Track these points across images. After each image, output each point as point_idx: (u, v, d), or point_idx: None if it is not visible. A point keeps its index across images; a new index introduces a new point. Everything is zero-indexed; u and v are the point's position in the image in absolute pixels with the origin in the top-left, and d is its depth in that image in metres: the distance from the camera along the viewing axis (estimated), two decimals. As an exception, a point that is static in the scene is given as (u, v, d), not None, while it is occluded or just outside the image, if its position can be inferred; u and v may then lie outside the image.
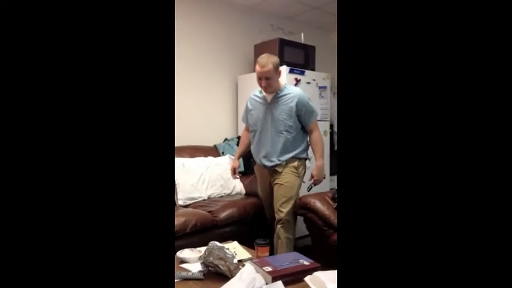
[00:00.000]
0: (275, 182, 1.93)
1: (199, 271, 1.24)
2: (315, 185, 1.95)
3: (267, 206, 2.07)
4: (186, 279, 1.20)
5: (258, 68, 1.85)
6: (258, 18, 3.21)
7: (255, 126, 1.97)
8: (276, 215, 1.92)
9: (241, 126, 3.00)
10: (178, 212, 2.04)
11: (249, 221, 2.22)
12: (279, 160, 1.89)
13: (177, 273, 1.23)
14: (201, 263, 1.26)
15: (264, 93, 1.95)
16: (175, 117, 2.58)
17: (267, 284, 1.10)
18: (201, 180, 2.42)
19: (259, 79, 1.87)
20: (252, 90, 2.82)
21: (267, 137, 1.92)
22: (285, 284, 1.08)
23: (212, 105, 2.99)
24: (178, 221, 1.90)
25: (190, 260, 1.37)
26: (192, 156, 2.60)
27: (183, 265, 1.34)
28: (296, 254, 1.36)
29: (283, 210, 1.88)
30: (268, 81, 1.85)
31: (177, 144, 2.66)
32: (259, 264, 1.22)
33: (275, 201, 1.93)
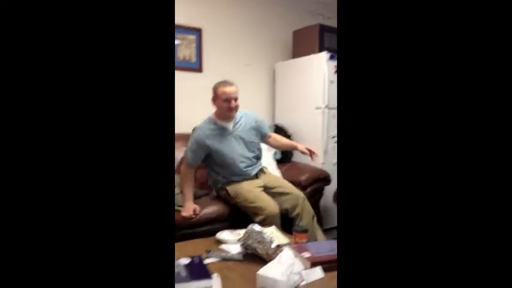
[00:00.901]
0: (265, 177, 2.01)
1: (239, 253, 1.27)
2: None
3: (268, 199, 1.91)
4: (225, 259, 1.24)
5: (226, 89, 1.84)
6: (296, 3, 3.15)
7: (231, 160, 1.91)
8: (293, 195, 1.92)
9: (279, 114, 3.00)
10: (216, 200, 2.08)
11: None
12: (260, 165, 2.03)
13: (216, 253, 1.27)
14: (240, 245, 1.29)
15: (219, 123, 1.92)
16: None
17: (305, 269, 1.10)
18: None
19: (228, 101, 1.83)
20: (291, 77, 2.81)
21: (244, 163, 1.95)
22: (323, 270, 1.08)
23: (249, 93, 3.00)
24: (217, 207, 1.95)
25: (229, 241, 1.40)
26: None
27: (222, 246, 1.37)
28: (334, 243, 1.35)
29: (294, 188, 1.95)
30: (236, 102, 1.87)
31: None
32: (298, 249, 1.23)
33: (280, 186, 1.96)
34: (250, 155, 1.97)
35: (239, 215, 1.92)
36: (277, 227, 1.66)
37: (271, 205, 1.79)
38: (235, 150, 1.92)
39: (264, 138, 2.08)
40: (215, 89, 1.89)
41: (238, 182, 1.91)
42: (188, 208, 1.82)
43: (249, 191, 1.86)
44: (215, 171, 1.96)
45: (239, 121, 1.97)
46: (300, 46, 2.85)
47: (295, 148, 2.07)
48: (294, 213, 1.87)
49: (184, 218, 1.77)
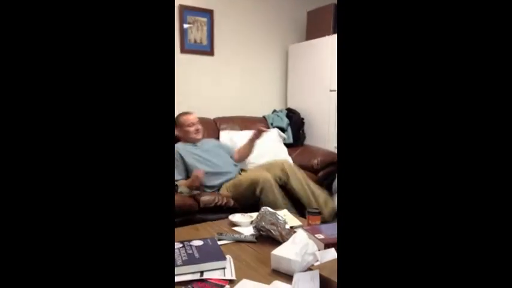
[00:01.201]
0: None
1: (251, 234, 1.27)
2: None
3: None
4: (238, 241, 1.23)
5: (188, 117, 2.13)
6: (310, -17, 3.07)
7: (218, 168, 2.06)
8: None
9: (291, 97, 2.96)
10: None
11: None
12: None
13: (229, 235, 1.27)
14: (253, 227, 1.29)
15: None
16: (220, 89, 2.57)
17: (319, 250, 1.09)
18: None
19: (192, 125, 2.10)
20: (304, 60, 2.75)
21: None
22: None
23: (261, 75, 2.96)
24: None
25: (242, 223, 1.40)
26: (241, 127, 2.62)
27: (235, 228, 1.37)
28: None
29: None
30: (199, 126, 2.14)
31: (227, 114, 2.70)
32: (311, 231, 1.22)
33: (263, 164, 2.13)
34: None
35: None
36: (278, 193, 1.78)
37: (262, 173, 1.84)
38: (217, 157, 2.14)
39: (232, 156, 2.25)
40: (177, 120, 2.15)
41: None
42: (193, 176, 1.88)
43: (235, 180, 1.98)
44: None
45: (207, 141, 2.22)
46: (314, 27, 2.78)
47: (252, 140, 2.15)
48: (284, 177, 1.93)
49: (196, 184, 1.88)
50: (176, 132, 2.15)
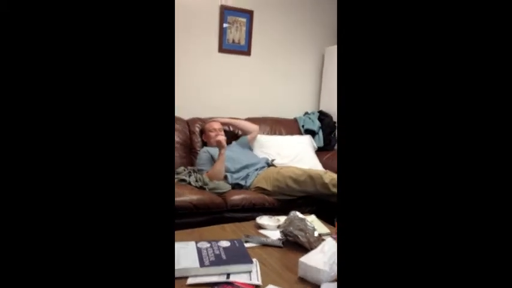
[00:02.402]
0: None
1: (278, 239, 1.26)
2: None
3: None
4: (265, 244, 1.23)
5: (211, 123, 2.29)
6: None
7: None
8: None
9: (324, 100, 2.91)
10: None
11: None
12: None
13: (256, 237, 1.27)
14: (280, 232, 1.28)
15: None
16: (260, 90, 2.58)
17: (347, 261, 1.07)
18: (280, 157, 2.42)
19: (214, 131, 2.25)
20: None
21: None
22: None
23: (296, 76, 2.94)
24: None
25: (269, 227, 1.39)
26: (272, 128, 2.62)
27: (262, 231, 1.37)
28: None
29: None
30: (222, 132, 2.26)
31: (258, 115, 2.70)
32: (340, 241, 1.19)
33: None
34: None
35: (280, 205, 1.92)
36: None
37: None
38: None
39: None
40: (203, 126, 2.35)
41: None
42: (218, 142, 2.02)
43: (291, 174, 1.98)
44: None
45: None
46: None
47: (221, 155, 2.07)
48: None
49: (222, 145, 2.01)
50: (203, 138, 2.32)
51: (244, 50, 2.67)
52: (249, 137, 2.41)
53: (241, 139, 2.37)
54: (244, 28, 2.63)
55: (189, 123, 2.38)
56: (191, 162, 2.27)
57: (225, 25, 2.56)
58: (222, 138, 2.03)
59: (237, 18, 2.59)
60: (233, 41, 2.62)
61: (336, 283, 0.95)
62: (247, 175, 2.09)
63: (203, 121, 2.39)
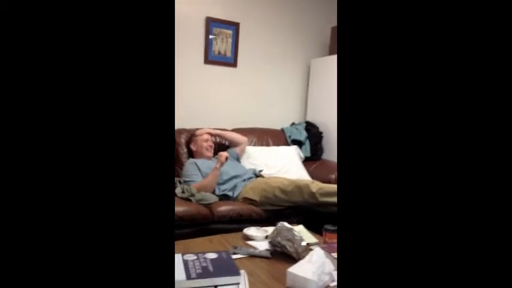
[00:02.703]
0: None
1: (266, 250, 1.25)
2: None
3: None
4: (253, 255, 1.21)
5: (202, 132, 2.30)
6: (335, -1, 3.07)
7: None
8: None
9: (311, 111, 2.94)
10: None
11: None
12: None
13: (244, 249, 1.25)
14: (269, 242, 1.27)
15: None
16: (239, 99, 2.58)
17: (336, 269, 1.06)
18: (267, 167, 2.42)
19: (207, 141, 2.27)
20: (326, 75, 2.74)
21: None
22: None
23: (282, 88, 2.96)
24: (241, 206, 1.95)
25: (257, 238, 1.38)
26: (259, 139, 2.62)
27: (250, 242, 1.35)
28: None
29: None
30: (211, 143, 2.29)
31: (246, 126, 2.70)
32: (328, 249, 1.19)
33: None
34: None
35: (268, 216, 1.91)
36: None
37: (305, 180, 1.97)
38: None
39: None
40: (193, 135, 2.32)
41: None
42: (219, 156, 2.04)
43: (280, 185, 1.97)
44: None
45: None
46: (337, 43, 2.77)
47: (217, 169, 2.08)
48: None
49: (222, 160, 2.03)
50: (191, 147, 2.29)
51: (231, 61, 2.68)
52: (237, 149, 2.40)
53: (229, 150, 2.37)
54: (230, 40, 2.65)
55: (175, 133, 2.36)
56: (177, 173, 2.24)
57: (210, 36, 2.57)
58: (225, 155, 2.04)
59: (223, 30, 2.61)
60: (219, 52, 2.63)
61: (324, 293, 0.94)
62: (235, 186, 2.07)
63: (189, 132, 2.37)
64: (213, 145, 2.29)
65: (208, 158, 2.24)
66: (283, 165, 2.45)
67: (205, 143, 2.25)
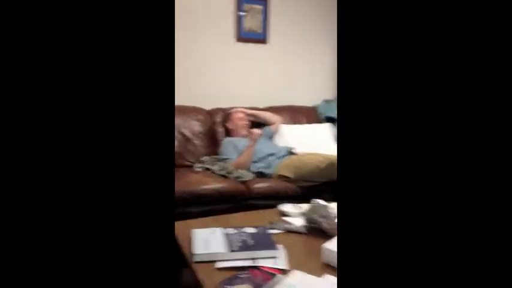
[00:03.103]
0: None
1: (302, 225, 1.29)
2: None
3: None
4: (289, 231, 1.26)
5: (239, 112, 2.34)
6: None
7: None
8: None
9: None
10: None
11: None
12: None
13: (281, 224, 1.30)
14: (304, 219, 1.31)
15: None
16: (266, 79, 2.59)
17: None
18: (301, 145, 2.43)
19: (243, 120, 2.33)
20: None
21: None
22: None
23: (313, 64, 2.92)
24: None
25: (293, 214, 1.42)
26: (292, 117, 2.63)
27: (286, 218, 1.40)
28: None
29: None
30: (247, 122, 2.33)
31: (278, 104, 2.71)
32: (363, 227, 1.21)
33: None
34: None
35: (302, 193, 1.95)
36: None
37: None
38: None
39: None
40: (230, 114, 2.37)
41: None
42: (252, 134, 2.11)
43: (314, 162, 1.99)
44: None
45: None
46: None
47: (251, 147, 2.14)
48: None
49: (254, 138, 2.11)
50: (228, 125, 2.34)
51: (261, 38, 2.67)
52: (272, 127, 2.44)
53: (265, 128, 2.41)
54: (260, 16, 2.62)
55: (211, 113, 2.42)
56: (215, 152, 2.32)
57: (241, 13, 2.56)
58: (257, 132, 2.10)
59: (253, 5, 2.58)
60: (250, 29, 2.62)
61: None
62: (270, 164, 2.12)
63: (224, 111, 2.42)
64: (249, 123, 2.34)
65: (245, 136, 2.29)
66: (316, 143, 2.45)
67: (240, 122, 2.30)
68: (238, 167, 2.05)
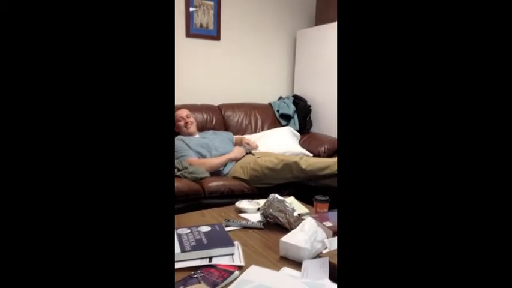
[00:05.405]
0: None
1: (259, 221, 1.26)
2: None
3: None
4: (246, 227, 1.23)
5: (177, 112, 2.24)
6: (320, -33, 2.99)
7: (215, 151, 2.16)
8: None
9: (298, 84, 2.91)
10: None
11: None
12: None
13: (237, 221, 1.26)
14: (261, 214, 1.28)
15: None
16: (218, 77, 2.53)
17: (327, 238, 1.08)
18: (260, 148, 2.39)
19: (182, 119, 2.21)
20: (313, 47, 2.70)
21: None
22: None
23: (268, 61, 2.92)
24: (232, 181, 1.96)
25: (249, 210, 1.39)
26: (246, 114, 2.60)
27: (242, 215, 1.37)
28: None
29: None
30: (190, 118, 2.24)
31: (233, 101, 2.67)
32: (319, 219, 1.21)
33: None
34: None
35: (260, 191, 1.92)
36: None
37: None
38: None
39: None
40: None
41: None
42: (237, 150, 2.12)
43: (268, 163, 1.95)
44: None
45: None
46: (323, 12, 2.72)
47: (229, 160, 2.11)
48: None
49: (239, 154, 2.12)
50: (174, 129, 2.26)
51: (213, 34, 2.61)
52: (235, 137, 2.40)
53: (226, 133, 2.36)
54: (212, 11, 2.57)
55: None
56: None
57: (191, 9, 2.49)
58: (242, 150, 2.14)
59: (204, 1, 2.52)
60: (201, 25, 2.56)
61: (317, 259, 0.96)
62: (226, 163, 2.07)
63: (176, 108, 2.34)
64: (193, 121, 2.25)
65: (192, 134, 2.22)
66: (277, 146, 2.41)
67: (181, 122, 2.21)
68: (200, 164, 1.99)
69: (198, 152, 2.09)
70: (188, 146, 2.10)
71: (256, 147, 2.28)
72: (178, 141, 2.13)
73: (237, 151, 2.12)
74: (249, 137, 2.44)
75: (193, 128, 2.23)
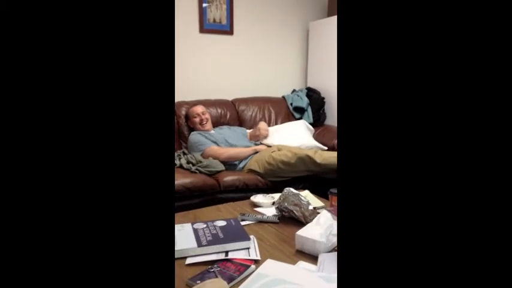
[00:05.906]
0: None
1: (274, 215, 1.27)
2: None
3: None
4: (261, 221, 1.23)
5: (193, 108, 2.26)
6: (332, -43, 2.93)
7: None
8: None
9: (312, 76, 2.89)
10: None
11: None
12: None
13: (252, 215, 1.27)
14: (276, 208, 1.28)
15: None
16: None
17: (343, 231, 1.08)
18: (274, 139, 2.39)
19: (197, 116, 2.23)
20: (325, 38, 2.67)
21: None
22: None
23: (281, 54, 2.90)
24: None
25: (264, 204, 1.40)
26: (260, 108, 2.60)
27: (257, 209, 1.37)
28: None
29: None
30: (205, 115, 2.26)
31: (247, 95, 2.67)
32: (334, 212, 1.20)
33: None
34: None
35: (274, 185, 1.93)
36: None
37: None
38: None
39: None
40: (187, 113, 2.31)
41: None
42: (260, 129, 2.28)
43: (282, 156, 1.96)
44: None
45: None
46: (336, 3, 2.67)
47: (250, 154, 2.13)
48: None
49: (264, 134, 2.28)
50: (189, 124, 2.30)
51: (227, 29, 2.61)
52: (249, 131, 2.42)
53: (240, 129, 2.37)
54: (224, 6, 2.56)
55: (175, 107, 2.34)
56: (179, 146, 2.24)
57: (204, 4, 2.49)
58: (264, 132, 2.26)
59: (217, -4, 2.52)
60: (214, 20, 2.56)
61: (333, 253, 0.96)
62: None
63: (189, 104, 2.35)
64: (209, 117, 2.26)
65: (207, 131, 2.23)
66: (287, 136, 2.40)
67: (196, 119, 2.23)
68: (229, 157, 2.03)
69: (217, 145, 2.11)
70: (207, 138, 2.12)
71: (266, 136, 2.31)
72: (196, 135, 2.15)
73: (263, 147, 2.16)
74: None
75: (208, 125, 2.25)
